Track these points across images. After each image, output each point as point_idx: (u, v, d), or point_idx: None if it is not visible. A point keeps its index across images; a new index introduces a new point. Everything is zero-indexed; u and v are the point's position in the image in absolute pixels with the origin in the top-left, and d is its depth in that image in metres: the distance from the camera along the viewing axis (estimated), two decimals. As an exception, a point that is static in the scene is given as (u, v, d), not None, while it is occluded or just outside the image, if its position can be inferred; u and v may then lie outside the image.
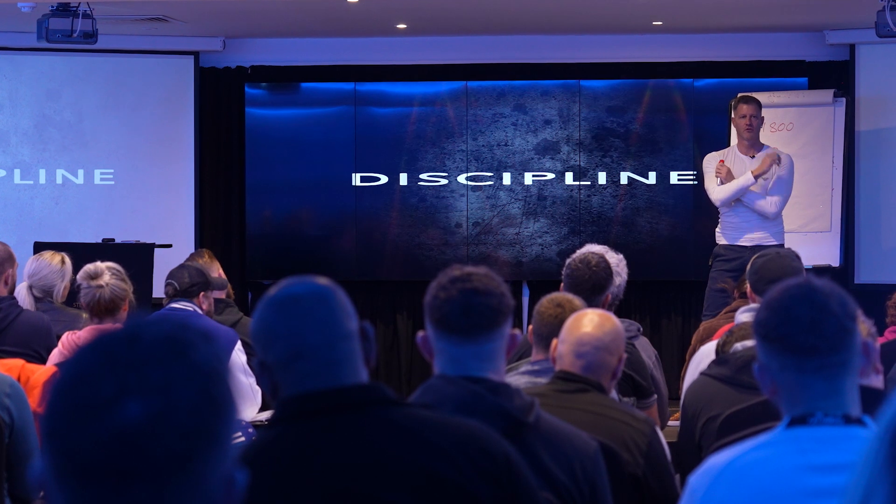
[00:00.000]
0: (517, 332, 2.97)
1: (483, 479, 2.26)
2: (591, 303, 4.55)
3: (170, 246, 8.81)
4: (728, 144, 9.05)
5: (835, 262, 9.34)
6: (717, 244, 8.17)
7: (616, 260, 5.25)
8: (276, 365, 2.33)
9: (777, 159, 8.05)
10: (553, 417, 2.97)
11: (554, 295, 4.06)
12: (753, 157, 8.14)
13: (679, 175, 9.87)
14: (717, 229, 8.21)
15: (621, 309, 5.33)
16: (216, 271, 6.63)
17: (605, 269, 4.95)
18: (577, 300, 4.04)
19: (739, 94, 8.42)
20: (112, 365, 1.33)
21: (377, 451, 2.25)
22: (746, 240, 8.06)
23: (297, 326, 2.33)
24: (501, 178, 9.98)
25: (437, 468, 2.24)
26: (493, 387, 2.78)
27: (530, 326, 4.06)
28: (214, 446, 1.34)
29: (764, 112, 8.75)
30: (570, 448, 2.89)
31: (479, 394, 2.75)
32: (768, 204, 8.05)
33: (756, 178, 8.00)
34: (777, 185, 8.08)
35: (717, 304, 7.96)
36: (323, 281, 2.41)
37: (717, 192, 8.07)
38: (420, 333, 2.84)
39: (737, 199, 8.03)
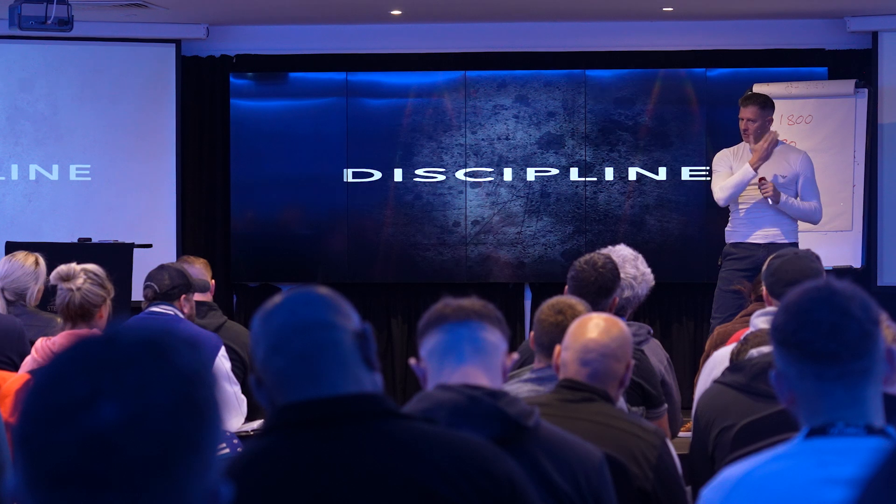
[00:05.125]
0: (515, 355, 3.04)
1: (483, 500, 2.27)
2: (598, 306, 4.55)
3: (150, 246, 8.81)
4: (741, 139, 9.09)
5: (856, 262, 9.34)
6: (726, 243, 8.21)
7: (636, 272, 5.20)
8: (274, 374, 2.33)
9: (774, 140, 8.08)
10: (555, 427, 2.97)
11: (555, 300, 4.05)
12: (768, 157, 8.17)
13: (691, 170, 9.87)
14: (726, 227, 8.24)
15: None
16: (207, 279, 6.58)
17: (612, 271, 4.94)
18: (579, 305, 4.03)
19: (746, 93, 8.45)
20: (86, 366, 1.34)
21: (372, 465, 2.26)
22: (759, 237, 8.12)
23: (295, 333, 2.34)
24: (502, 174, 9.98)
25: (433, 486, 2.25)
26: (491, 392, 2.80)
27: (531, 333, 4.06)
28: (195, 454, 1.35)
29: (781, 104, 8.80)
30: (573, 457, 2.89)
31: (476, 398, 2.77)
32: (812, 212, 8.14)
33: (755, 168, 8.04)
34: (806, 190, 8.14)
35: (727, 307, 8.00)
36: (320, 288, 2.42)
37: (717, 191, 8.15)
38: (412, 360, 2.94)
39: (751, 196, 8.05)
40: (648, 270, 5.27)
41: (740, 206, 8.16)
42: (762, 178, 8.04)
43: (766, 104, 8.17)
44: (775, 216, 8.10)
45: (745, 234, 8.16)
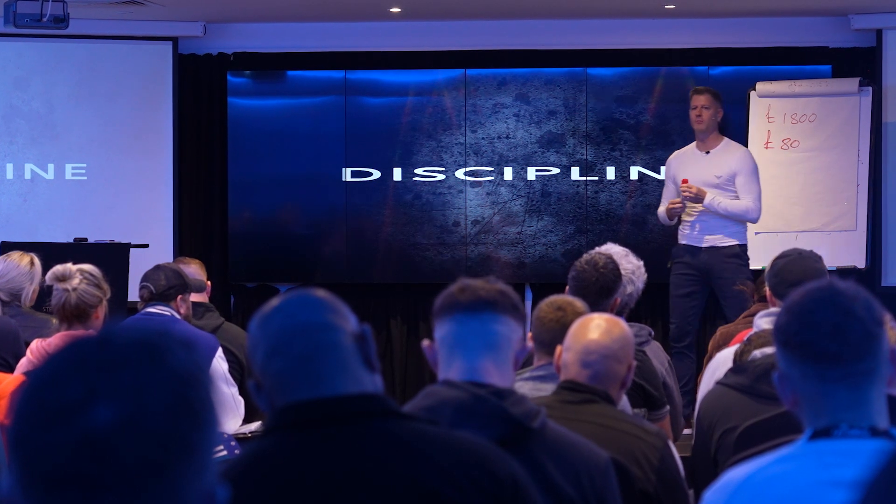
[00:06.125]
0: (530, 343, 3.02)
1: (486, 500, 2.27)
2: (599, 307, 4.55)
3: (146, 246, 8.80)
4: (746, 136, 9.17)
5: (861, 263, 9.34)
6: (677, 243, 8.52)
7: (633, 266, 5.24)
8: (273, 377, 2.34)
9: (691, 196, 8.32)
10: (562, 428, 2.97)
11: (554, 298, 4.06)
12: (708, 152, 8.45)
13: (693, 170, 9.85)
14: (679, 228, 8.53)
15: (631, 312, 5.33)
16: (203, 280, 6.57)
17: (614, 271, 4.95)
18: (578, 302, 4.04)
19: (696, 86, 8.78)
20: (81, 368, 1.34)
21: (375, 466, 2.26)
22: (702, 240, 8.38)
23: (294, 335, 2.34)
24: (502, 173, 9.98)
25: (436, 487, 2.25)
26: (497, 391, 2.80)
27: (530, 333, 4.06)
28: (191, 456, 1.35)
29: (784, 102, 8.89)
30: (578, 459, 2.89)
31: (481, 397, 2.76)
32: (745, 211, 8.32)
33: (670, 217, 8.41)
34: (743, 188, 8.36)
35: (680, 311, 8.32)
36: (317, 290, 2.43)
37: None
38: (425, 342, 2.92)
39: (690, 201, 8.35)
40: (641, 263, 5.34)
41: (690, 210, 8.41)
42: (685, 181, 8.29)
43: (719, 96, 8.49)
44: (719, 219, 8.33)
45: (691, 236, 8.42)
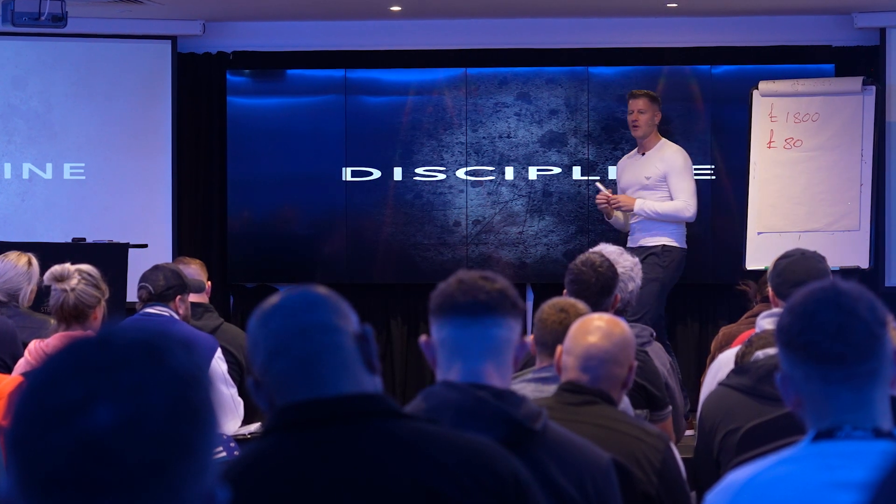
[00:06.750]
0: (528, 340, 3.01)
1: (488, 499, 2.27)
2: (600, 307, 4.57)
3: (145, 246, 8.80)
4: (748, 135, 9.20)
5: (864, 263, 9.33)
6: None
7: (630, 264, 5.29)
8: (273, 378, 2.34)
9: (619, 206, 8.65)
10: (563, 429, 2.97)
11: (556, 300, 4.07)
12: (644, 154, 8.75)
13: (695, 169, 9.86)
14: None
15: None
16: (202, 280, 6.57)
17: (610, 269, 4.97)
18: (580, 304, 4.06)
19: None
20: (81, 368, 1.34)
21: (376, 466, 2.26)
22: (635, 241, 8.65)
23: (296, 336, 2.34)
24: (503, 173, 9.98)
25: (438, 486, 2.25)
26: (498, 393, 2.79)
27: (531, 335, 4.06)
28: (192, 458, 1.35)
29: (787, 101, 8.94)
30: (580, 461, 2.89)
31: (483, 399, 2.75)
32: (675, 211, 8.58)
33: (607, 216, 8.75)
34: (674, 185, 8.64)
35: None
36: (318, 288, 2.42)
37: None
38: (422, 338, 2.90)
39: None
40: (637, 260, 5.50)
41: (633, 215, 8.71)
42: (613, 196, 8.67)
43: (656, 99, 8.74)
44: (647, 221, 8.60)
45: (630, 238, 8.71)
